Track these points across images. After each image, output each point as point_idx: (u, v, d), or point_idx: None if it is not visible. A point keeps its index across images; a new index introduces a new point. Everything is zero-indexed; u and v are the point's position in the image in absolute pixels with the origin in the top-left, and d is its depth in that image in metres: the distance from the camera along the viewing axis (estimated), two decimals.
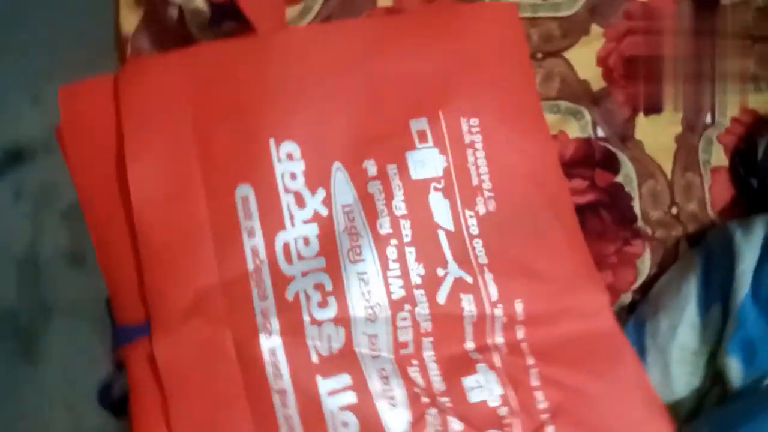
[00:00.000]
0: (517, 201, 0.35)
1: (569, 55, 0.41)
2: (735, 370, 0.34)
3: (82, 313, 0.51)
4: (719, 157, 0.41)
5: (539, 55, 0.41)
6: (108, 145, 0.32)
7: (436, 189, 0.34)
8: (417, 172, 0.34)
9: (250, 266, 0.31)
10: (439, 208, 0.34)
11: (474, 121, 0.35)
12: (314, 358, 0.31)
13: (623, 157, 0.40)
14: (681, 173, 0.41)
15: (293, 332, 0.31)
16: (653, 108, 0.41)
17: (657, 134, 0.41)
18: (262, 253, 0.32)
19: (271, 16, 0.35)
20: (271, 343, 0.31)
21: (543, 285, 0.34)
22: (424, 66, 0.35)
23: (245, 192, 0.32)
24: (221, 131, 0.32)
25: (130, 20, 0.39)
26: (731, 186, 0.41)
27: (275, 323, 0.31)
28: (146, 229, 0.31)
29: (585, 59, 0.41)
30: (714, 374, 0.35)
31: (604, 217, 0.40)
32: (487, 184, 0.34)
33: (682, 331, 0.36)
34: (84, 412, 0.50)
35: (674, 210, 0.41)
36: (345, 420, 0.30)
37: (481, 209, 0.34)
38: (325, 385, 0.31)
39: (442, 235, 0.33)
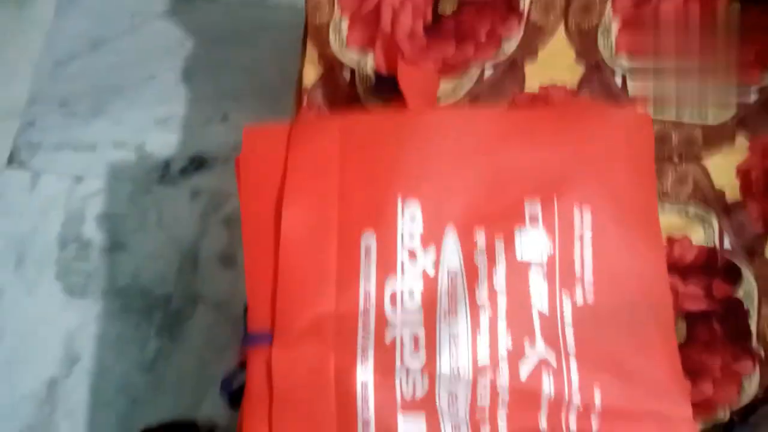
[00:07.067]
0: (616, 299, 0.36)
1: (708, 162, 0.42)
2: None
3: (224, 310, 0.59)
4: None
5: (676, 159, 0.42)
6: (273, 183, 0.38)
7: (538, 272, 0.36)
8: (522, 253, 0.36)
9: (361, 306, 0.36)
10: (538, 290, 0.36)
11: (587, 213, 0.37)
12: (398, 399, 0.34)
13: (747, 273, 0.40)
14: None
15: (385, 371, 0.35)
16: None
17: None
18: (373, 297, 0.36)
19: (425, 94, 0.40)
20: (364, 377, 0.35)
21: (628, 383, 0.35)
22: (548, 156, 0.37)
23: (369, 241, 0.37)
24: (359, 189, 0.37)
25: (310, 76, 0.46)
26: None
27: (371, 360, 0.35)
28: (286, 258, 0.37)
29: (724, 169, 0.41)
30: None
31: (715, 329, 0.40)
32: (589, 277, 0.36)
33: None
34: (205, 393, 0.57)
35: None
36: None
37: (579, 300, 0.36)
38: (404, 424, 0.34)
39: (536, 316, 0.35)
